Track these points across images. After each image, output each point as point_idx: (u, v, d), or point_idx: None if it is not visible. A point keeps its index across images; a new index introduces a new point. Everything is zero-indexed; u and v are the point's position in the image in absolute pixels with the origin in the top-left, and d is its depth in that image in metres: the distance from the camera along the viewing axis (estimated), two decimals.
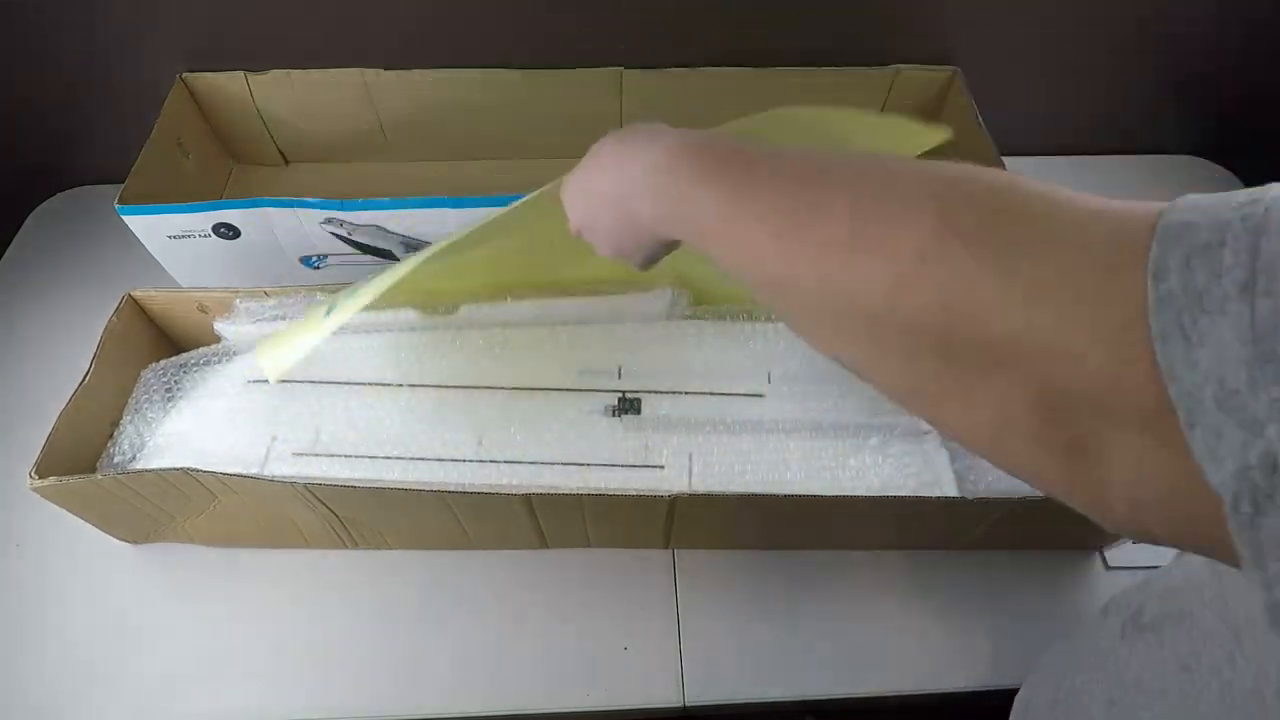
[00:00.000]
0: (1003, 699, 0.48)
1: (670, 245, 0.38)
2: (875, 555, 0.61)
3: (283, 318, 0.61)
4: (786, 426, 0.58)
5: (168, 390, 0.61)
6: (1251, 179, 0.89)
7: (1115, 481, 0.21)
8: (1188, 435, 0.18)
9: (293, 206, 0.65)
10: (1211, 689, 0.29)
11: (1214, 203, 0.19)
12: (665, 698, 0.56)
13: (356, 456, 0.56)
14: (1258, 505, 0.17)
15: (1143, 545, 0.39)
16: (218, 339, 0.64)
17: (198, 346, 0.65)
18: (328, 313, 0.47)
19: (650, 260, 0.40)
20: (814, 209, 0.27)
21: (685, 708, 0.56)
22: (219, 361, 0.63)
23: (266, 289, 0.62)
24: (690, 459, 0.57)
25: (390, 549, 0.61)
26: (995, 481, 0.58)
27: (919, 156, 0.39)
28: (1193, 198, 0.20)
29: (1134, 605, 0.38)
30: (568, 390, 0.59)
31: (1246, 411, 0.17)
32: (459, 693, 0.56)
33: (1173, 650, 0.33)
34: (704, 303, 0.64)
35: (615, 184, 0.36)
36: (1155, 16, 0.78)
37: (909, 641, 0.58)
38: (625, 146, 0.36)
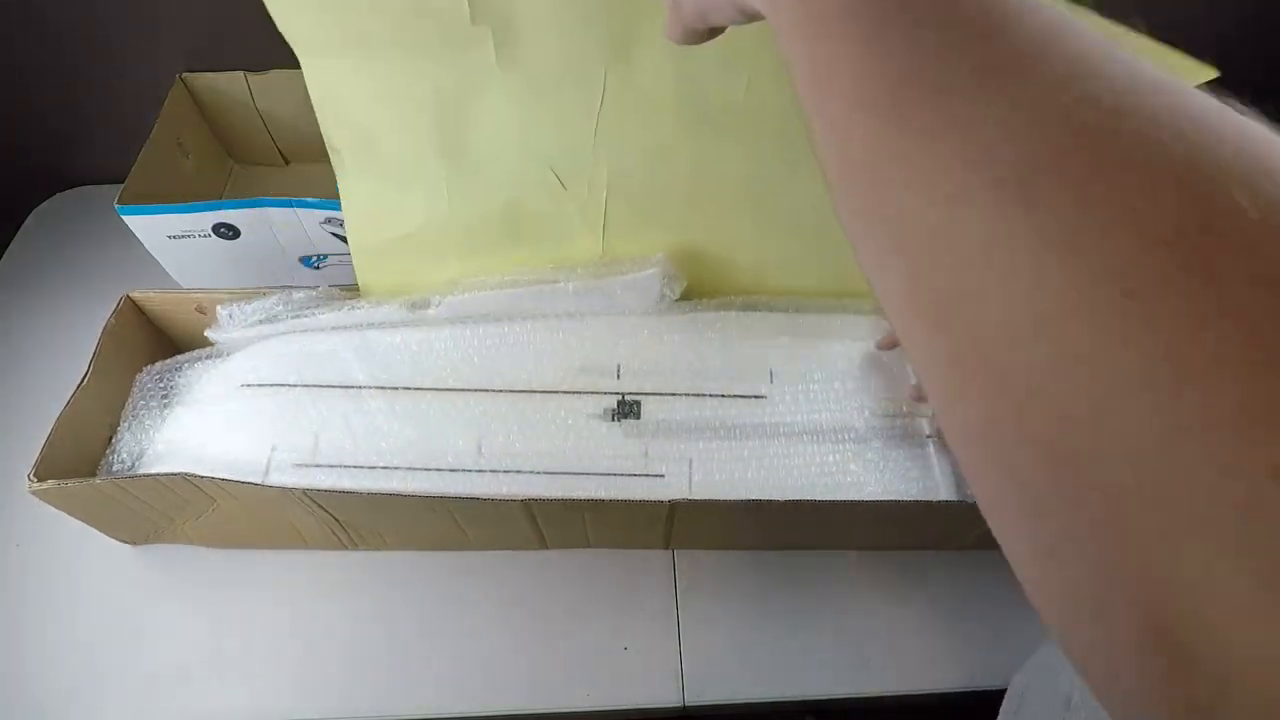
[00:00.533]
0: (1002, 700, 0.48)
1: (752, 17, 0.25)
2: (875, 556, 0.61)
3: (272, 319, 0.61)
4: (788, 430, 0.58)
5: (164, 393, 0.61)
6: None
7: None
8: None
9: (293, 206, 0.65)
10: None
11: None
12: (665, 698, 0.56)
13: (356, 467, 0.56)
14: None
15: None
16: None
17: (196, 347, 0.65)
18: None
19: (701, 33, 0.29)
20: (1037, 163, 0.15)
21: (685, 708, 0.56)
22: (213, 364, 0.63)
23: (265, 289, 0.62)
24: (690, 465, 0.56)
25: (389, 550, 0.61)
26: None
27: None
28: None
29: None
30: (567, 393, 0.59)
31: None
32: (458, 693, 0.56)
33: None
34: (704, 286, 0.63)
35: None
36: (1154, 17, 0.78)
37: (909, 642, 0.58)
38: None
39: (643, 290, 0.61)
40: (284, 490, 0.50)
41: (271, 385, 0.59)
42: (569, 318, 0.62)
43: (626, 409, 0.58)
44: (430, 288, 0.61)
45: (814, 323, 0.62)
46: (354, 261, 0.60)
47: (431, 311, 0.61)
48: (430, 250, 0.59)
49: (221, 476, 0.50)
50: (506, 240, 0.59)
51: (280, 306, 0.61)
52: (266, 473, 0.56)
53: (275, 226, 0.67)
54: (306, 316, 0.61)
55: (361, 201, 0.54)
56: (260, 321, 0.61)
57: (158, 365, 0.62)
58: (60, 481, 0.51)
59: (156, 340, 0.64)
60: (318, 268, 0.73)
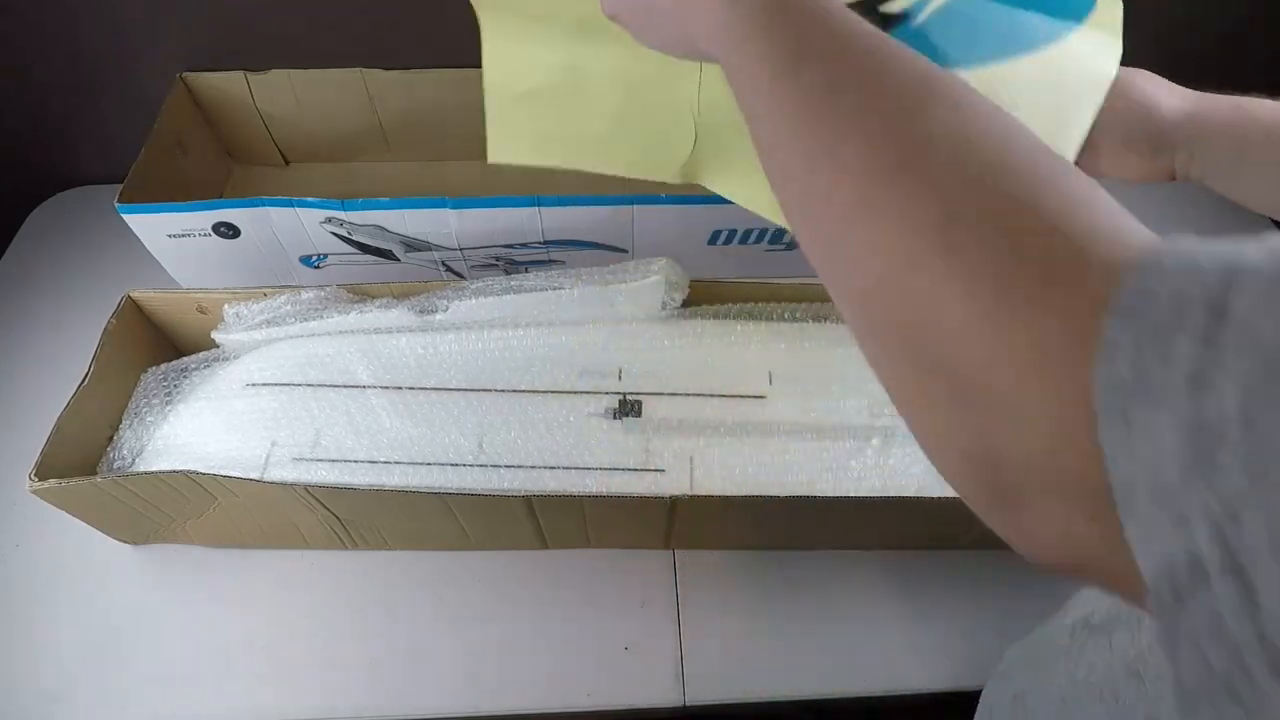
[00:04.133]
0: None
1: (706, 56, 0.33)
2: (875, 555, 0.61)
3: (277, 322, 0.61)
4: (787, 429, 0.58)
5: (167, 394, 0.61)
6: None
7: (1041, 535, 0.21)
8: (1123, 519, 0.18)
9: (293, 206, 0.65)
10: (1165, 697, 0.28)
11: (1186, 265, 0.18)
12: (665, 698, 0.56)
13: (356, 461, 0.56)
14: (1179, 598, 0.17)
15: None
16: (216, 345, 0.64)
17: (197, 347, 0.65)
18: None
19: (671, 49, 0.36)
20: (837, 126, 0.24)
21: (685, 708, 0.56)
22: (219, 365, 0.63)
23: (265, 289, 0.62)
24: (691, 462, 0.57)
25: (390, 549, 0.61)
26: None
27: None
28: (1176, 248, 0.19)
29: (1089, 605, 0.38)
30: (568, 393, 0.59)
31: (1177, 508, 0.16)
32: (459, 692, 0.56)
33: (1120, 653, 0.33)
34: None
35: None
36: (1155, 17, 0.78)
37: (909, 641, 0.58)
38: None
39: (645, 298, 0.62)
40: (285, 487, 0.50)
41: (276, 385, 0.59)
42: (572, 324, 0.62)
43: (627, 408, 0.59)
44: (547, 153, 0.57)
45: (812, 329, 0.63)
46: (487, 110, 0.57)
47: (439, 316, 0.61)
48: (554, 113, 0.57)
49: (222, 473, 0.50)
50: (619, 130, 0.58)
51: (288, 306, 0.61)
52: (265, 467, 0.56)
53: (275, 226, 0.67)
54: (314, 319, 0.61)
55: (501, 45, 0.55)
56: (267, 322, 0.61)
57: (162, 367, 0.62)
58: (61, 480, 0.51)
59: (157, 340, 0.64)
60: (318, 267, 0.73)
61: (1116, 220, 0.21)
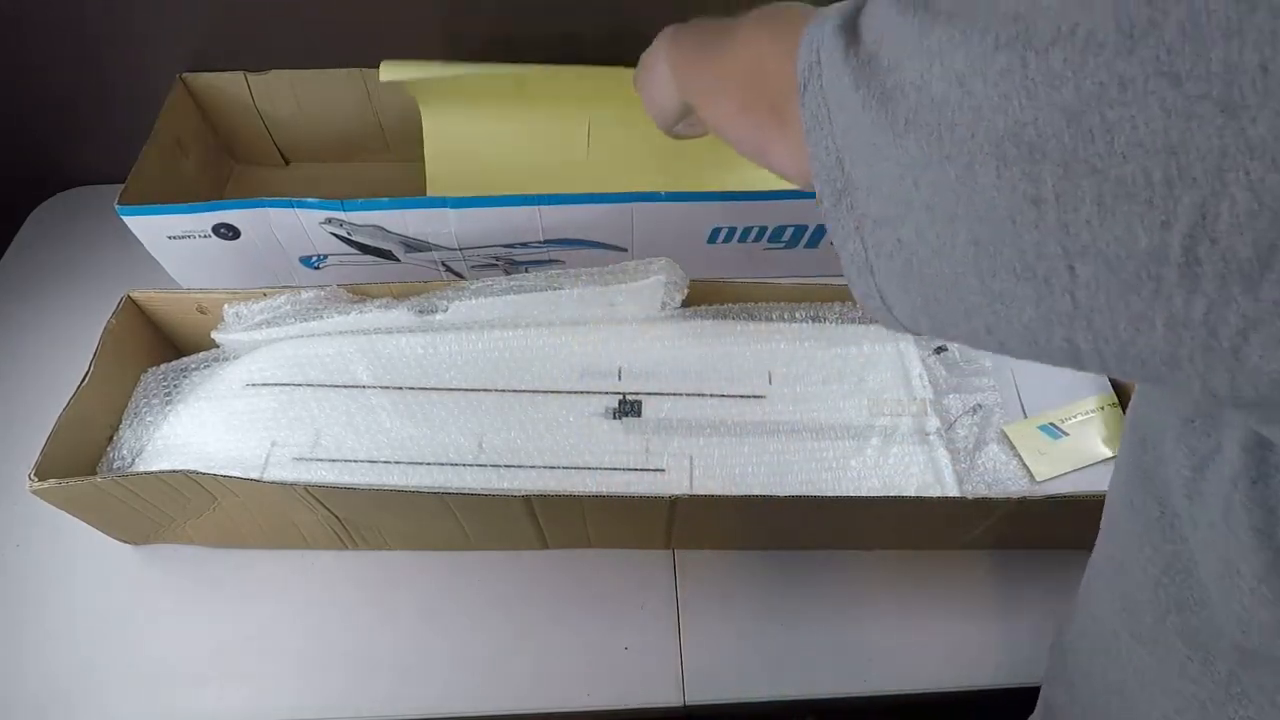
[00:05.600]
0: (1003, 698, 0.48)
1: (686, 109, 0.47)
2: (875, 555, 0.61)
3: (277, 322, 0.61)
4: (788, 428, 0.58)
5: (167, 394, 0.61)
6: None
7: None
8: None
9: (293, 206, 0.65)
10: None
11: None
12: (665, 698, 0.56)
13: (356, 461, 0.56)
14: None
15: None
16: (216, 345, 0.64)
17: (197, 347, 0.65)
18: None
19: (670, 118, 0.50)
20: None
21: (685, 707, 0.56)
22: (219, 366, 0.63)
23: (265, 289, 0.62)
24: (691, 461, 0.57)
25: (390, 549, 0.61)
26: (995, 482, 0.58)
27: None
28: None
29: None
30: (568, 393, 0.59)
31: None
32: (459, 693, 0.56)
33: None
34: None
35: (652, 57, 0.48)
36: None
37: (909, 641, 0.58)
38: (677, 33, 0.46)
39: (645, 298, 0.62)
40: (285, 487, 0.50)
41: (276, 385, 0.59)
42: (572, 324, 0.62)
43: (627, 408, 0.59)
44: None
45: (811, 329, 0.63)
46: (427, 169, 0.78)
47: (439, 317, 0.61)
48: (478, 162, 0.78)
49: (222, 473, 0.50)
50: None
51: (288, 306, 0.61)
52: (265, 467, 0.56)
53: (275, 226, 0.67)
54: (314, 319, 0.61)
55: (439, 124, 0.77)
56: (267, 322, 0.61)
57: (162, 367, 0.62)
58: (61, 480, 0.51)
59: (157, 340, 0.64)
60: (318, 268, 0.73)
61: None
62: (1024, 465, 0.58)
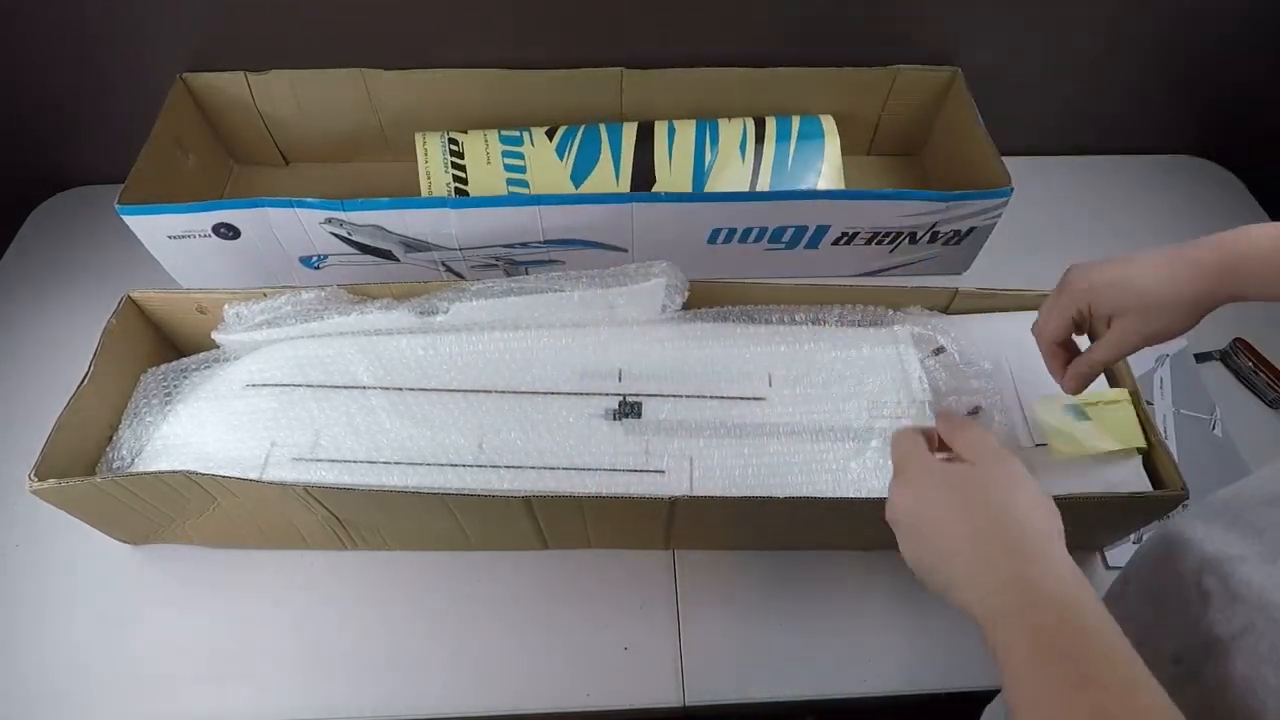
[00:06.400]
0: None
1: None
2: (875, 556, 0.61)
3: (277, 323, 0.61)
4: (787, 430, 0.58)
5: (166, 394, 0.61)
6: (1251, 179, 0.89)
7: None
8: None
9: (293, 206, 0.65)
10: None
11: None
12: (665, 698, 0.56)
13: (355, 462, 0.56)
14: None
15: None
16: (216, 345, 0.64)
17: (197, 348, 0.65)
18: None
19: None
20: None
21: (685, 707, 0.56)
22: (219, 366, 0.63)
23: (265, 289, 0.62)
24: (691, 463, 0.57)
25: (390, 549, 0.61)
26: None
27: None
28: None
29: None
30: (568, 394, 0.59)
31: None
32: (459, 693, 0.56)
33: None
34: None
35: (940, 560, 0.37)
36: (1156, 16, 0.78)
37: (908, 641, 0.58)
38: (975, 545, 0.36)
39: (645, 300, 0.62)
40: (284, 487, 0.50)
41: (275, 385, 0.59)
42: (573, 326, 0.62)
43: (627, 409, 0.59)
44: None
45: (811, 332, 0.63)
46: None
47: (440, 318, 0.61)
48: None
49: (222, 474, 0.50)
50: None
51: (288, 307, 0.61)
52: (264, 467, 0.56)
53: (275, 226, 0.67)
54: (314, 319, 0.61)
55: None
56: (267, 322, 0.61)
57: (162, 367, 0.62)
58: (60, 481, 0.51)
59: (157, 340, 0.64)
60: (318, 268, 0.73)
61: None
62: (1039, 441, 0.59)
